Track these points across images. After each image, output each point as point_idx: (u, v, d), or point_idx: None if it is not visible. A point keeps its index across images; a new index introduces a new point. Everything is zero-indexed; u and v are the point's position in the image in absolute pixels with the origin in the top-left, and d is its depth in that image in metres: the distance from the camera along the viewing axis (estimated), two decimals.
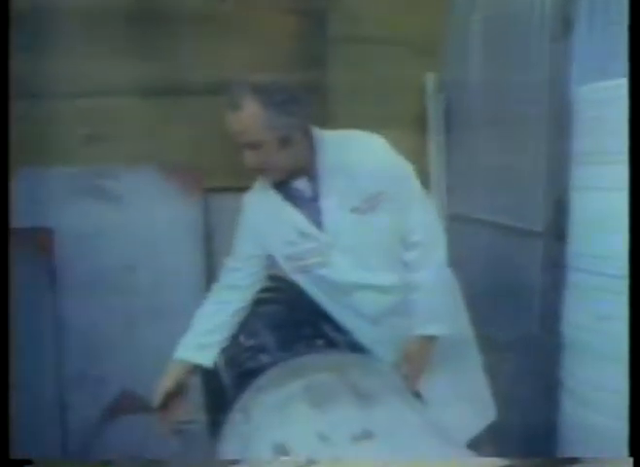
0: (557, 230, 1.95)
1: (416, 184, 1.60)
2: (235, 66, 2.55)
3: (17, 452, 2.42)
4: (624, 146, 1.48)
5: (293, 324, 1.83)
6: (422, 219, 1.58)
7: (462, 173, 2.55)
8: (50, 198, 2.49)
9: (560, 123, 1.91)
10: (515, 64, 2.14)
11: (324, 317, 1.88)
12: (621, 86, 1.56)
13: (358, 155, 1.55)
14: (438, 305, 1.58)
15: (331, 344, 1.65)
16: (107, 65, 2.50)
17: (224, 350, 1.73)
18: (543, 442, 2.00)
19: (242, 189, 2.61)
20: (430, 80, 2.57)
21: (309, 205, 1.58)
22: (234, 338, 1.79)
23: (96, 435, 2.59)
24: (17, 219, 2.43)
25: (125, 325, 2.56)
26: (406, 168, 1.60)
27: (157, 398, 1.55)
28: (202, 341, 1.63)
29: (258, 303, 2.01)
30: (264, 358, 1.57)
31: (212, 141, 2.60)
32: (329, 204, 1.56)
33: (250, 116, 1.46)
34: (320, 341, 1.68)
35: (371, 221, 1.54)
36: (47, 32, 2.45)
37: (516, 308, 2.12)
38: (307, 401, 1.16)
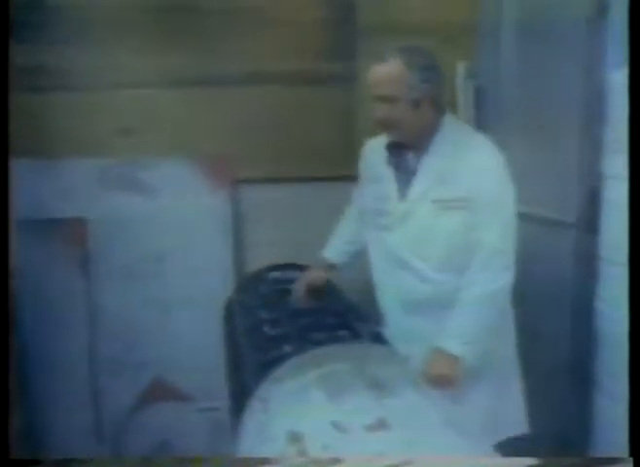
0: (590, 221, 1.89)
1: (505, 210, 1.61)
2: (266, 57, 2.56)
3: (52, 438, 2.52)
4: None
5: (317, 314, 1.83)
6: (491, 242, 1.59)
7: None
8: (83, 189, 2.54)
9: (594, 109, 1.85)
10: (548, 50, 2.08)
11: (349, 308, 1.88)
12: None
13: (468, 156, 1.61)
14: (474, 327, 1.58)
15: (354, 335, 1.64)
16: (139, 58, 2.52)
17: (249, 340, 1.75)
18: (575, 437, 1.96)
19: (271, 180, 2.65)
20: (461, 68, 2.52)
21: (406, 177, 1.68)
22: (259, 327, 1.81)
23: (129, 421, 2.64)
24: (52, 210, 2.50)
25: (157, 313, 2.60)
26: (504, 192, 1.61)
27: (300, 288, 1.91)
28: (340, 248, 1.96)
29: (282, 293, 2.03)
30: (286, 348, 1.57)
31: (242, 133, 2.63)
32: (417, 186, 1.65)
33: (392, 70, 1.58)
34: (343, 332, 1.68)
35: (442, 218, 1.62)
36: (80, 26, 2.48)
37: (549, 300, 2.07)
38: (323, 390, 1.16)
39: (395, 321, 1.75)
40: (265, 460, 1.05)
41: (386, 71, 1.59)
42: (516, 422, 1.79)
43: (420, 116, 1.62)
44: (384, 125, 1.66)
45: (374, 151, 1.79)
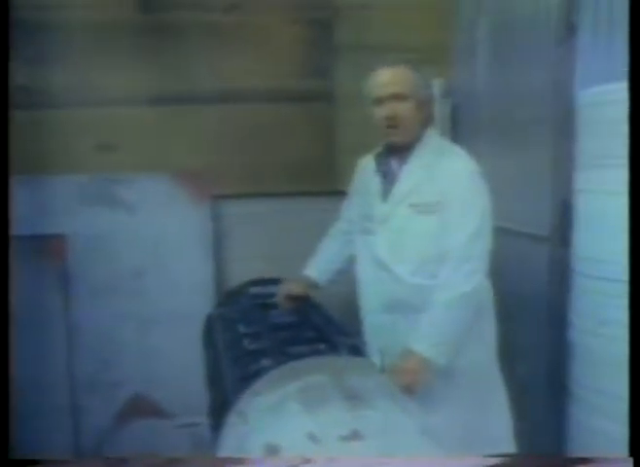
0: (563, 234, 1.93)
1: (474, 215, 1.63)
2: (242, 75, 2.59)
3: (28, 454, 2.47)
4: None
5: (296, 328, 1.84)
6: (460, 248, 1.61)
7: None
8: (62, 206, 2.54)
9: (565, 126, 1.90)
10: (520, 69, 2.13)
11: (327, 321, 1.89)
12: (624, 88, 1.55)
13: (443, 164, 1.68)
14: (443, 329, 1.60)
15: (332, 349, 1.65)
16: (117, 76, 2.55)
17: (229, 354, 1.75)
18: (549, 447, 1.98)
19: (250, 195, 2.67)
20: (436, 85, 2.56)
21: (389, 183, 1.75)
22: (238, 342, 1.81)
23: (108, 438, 2.62)
24: (30, 226, 2.49)
25: (136, 329, 2.59)
26: (474, 198, 1.64)
27: (280, 295, 1.97)
28: (322, 266, 1.99)
29: (262, 307, 2.04)
30: (265, 362, 1.57)
31: (222, 149, 2.65)
32: (397, 191, 1.72)
33: (401, 72, 1.68)
34: (322, 346, 1.69)
35: (417, 222, 1.68)
36: (58, 44, 2.50)
37: (522, 313, 2.10)
38: (301, 402, 1.17)
39: (372, 318, 1.81)
40: (240, 460, 1.09)
41: (394, 72, 1.68)
42: (501, 438, 1.77)
43: (420, 119, 1.71)
44: (391, 124, 1.69)
45: (366, 164, 1.86)
